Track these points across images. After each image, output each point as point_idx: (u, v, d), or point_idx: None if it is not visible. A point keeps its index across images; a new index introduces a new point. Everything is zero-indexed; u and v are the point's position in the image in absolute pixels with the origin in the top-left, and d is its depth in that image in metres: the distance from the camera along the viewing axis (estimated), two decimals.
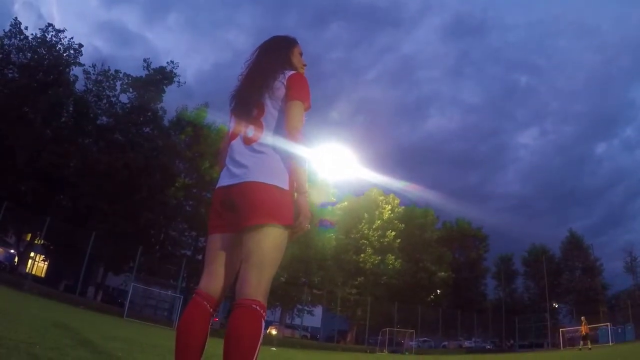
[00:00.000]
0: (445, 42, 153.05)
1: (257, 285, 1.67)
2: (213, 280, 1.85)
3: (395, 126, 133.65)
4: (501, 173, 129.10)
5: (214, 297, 1.82)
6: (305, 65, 2.14)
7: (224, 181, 1.87)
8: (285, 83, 1.90)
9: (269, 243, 1.72)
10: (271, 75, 1.92)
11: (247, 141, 1.87)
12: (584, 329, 22.87)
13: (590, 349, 21.47)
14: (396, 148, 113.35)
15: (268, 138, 1.85)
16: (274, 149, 1.83)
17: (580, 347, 22.24)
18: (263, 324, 1.63)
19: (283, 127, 1.86)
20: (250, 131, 1.88)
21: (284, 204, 1.76)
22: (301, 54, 2.14)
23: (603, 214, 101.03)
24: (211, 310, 1.81)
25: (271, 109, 1.89)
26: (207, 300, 1.81)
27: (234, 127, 1.98)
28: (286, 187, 1.79)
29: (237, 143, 1.91)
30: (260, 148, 1.83)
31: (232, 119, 2.01)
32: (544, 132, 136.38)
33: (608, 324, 28.25)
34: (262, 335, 1.61)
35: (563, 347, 28.08)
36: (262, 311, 1.62)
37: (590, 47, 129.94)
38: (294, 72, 1.96)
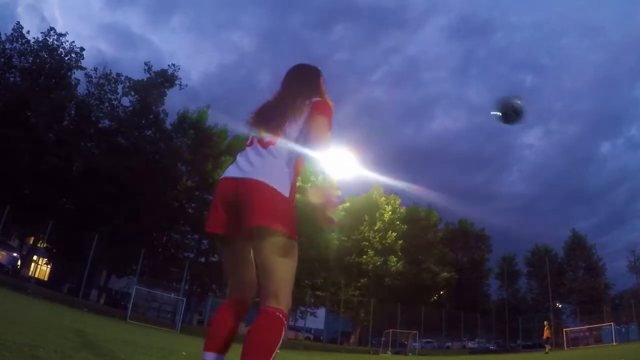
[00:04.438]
0: (450, 43, 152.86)
1: (279, 294, 1.75)
2: (241, 291, 1.98)
3: (400, 127, 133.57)
4: (505, 173, 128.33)
5: (245, 302, 1.97)
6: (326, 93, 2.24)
7: (230, 173, 1.94)
8: (310, 106, 2.00)
9: (282, 254, 1.79)
10: (299, 98, 2.03)
11: (262, 144, 1.94)
12: (546, 332, 23.45)
13: (551, 348, 22.29)
14: (400, 149, 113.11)
15: (282, 146, 1.92)
16: (284, 157, 1.91)
17: (546, 351, 22.42)
18: (284, 331, 1.70)
19: (299, 142, 1.96)
20: (267, 136, 1.96)
21: (281, 208, 1.81)
22: (324, 83, 2.25)
23: (607, 213, 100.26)
24: (241, 313, 1.94)
25: (291, 128, 1.97)
26: (238, 304, 1.95)
27: (252, 135, 2.07)
28: (286, 194, 1.85)
29: (251, 146, 2.00)
30: (271, 153, 1.91)
31: (252, 129, 2.10)
32: (548, 131, 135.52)
33: (612, 323, 28.13)
34: (280, 342, 1.67)
35: (567, 347, 27.99)
36: (284, 319, 1.71)
37: (595, 46, 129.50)
38: (319, 98, 2.07)
